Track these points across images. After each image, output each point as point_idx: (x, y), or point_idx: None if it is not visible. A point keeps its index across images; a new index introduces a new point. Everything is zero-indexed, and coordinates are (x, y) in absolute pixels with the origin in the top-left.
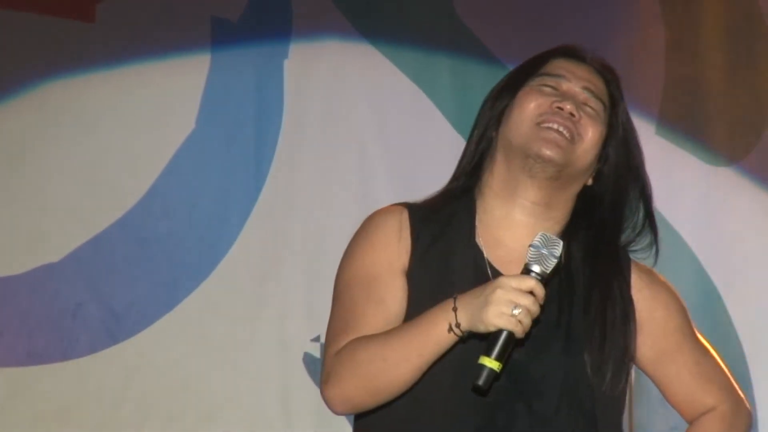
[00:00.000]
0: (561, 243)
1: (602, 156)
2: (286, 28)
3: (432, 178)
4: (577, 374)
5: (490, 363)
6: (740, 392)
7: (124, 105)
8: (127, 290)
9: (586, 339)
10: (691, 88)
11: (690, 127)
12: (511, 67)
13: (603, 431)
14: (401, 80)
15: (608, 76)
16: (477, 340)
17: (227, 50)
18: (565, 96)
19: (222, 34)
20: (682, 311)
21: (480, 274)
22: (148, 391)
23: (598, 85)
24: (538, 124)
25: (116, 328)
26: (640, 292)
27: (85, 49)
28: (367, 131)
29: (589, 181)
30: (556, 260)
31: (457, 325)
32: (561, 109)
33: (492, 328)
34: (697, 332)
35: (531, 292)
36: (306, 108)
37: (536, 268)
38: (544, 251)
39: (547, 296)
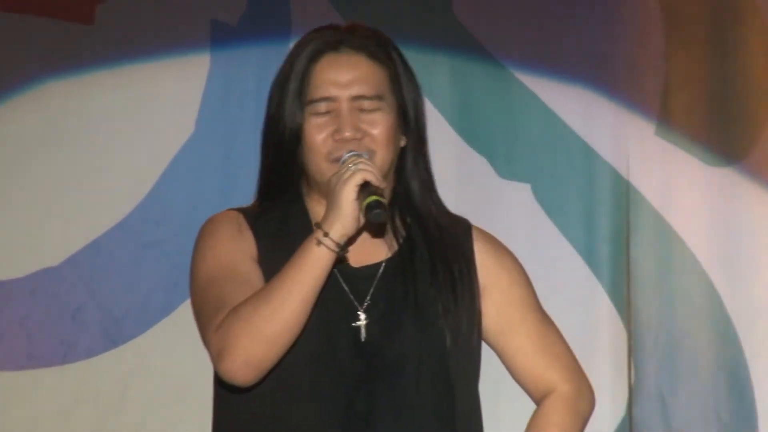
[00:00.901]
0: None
1: (402, 123)
2: (285, 30)
3: None
4: (431, 345)
5: (368, 200)
6: (584, 373)
7: (123, 108)
8: (126, 294)
9: (435, 309)
10: (691, 88)
11: (690, 127)
12: (510, 68)
13: (460, 397)
14: None
15: (371, 48)
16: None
17: (227, 53)
18: (340, 117)
19: (221, 37)
20: (527, 283)
21: None
22: (147, 394)
23: (366, 73)
24: (332, 161)
25: (115, 331)
26: (483, 259)
27: (84, 51)
28: None
29: (402, 143)
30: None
31: (325, 234)
32: (342, 138)
33: (350, 197)
34: (542, 308)
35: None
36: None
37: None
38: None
39: (392, 271)
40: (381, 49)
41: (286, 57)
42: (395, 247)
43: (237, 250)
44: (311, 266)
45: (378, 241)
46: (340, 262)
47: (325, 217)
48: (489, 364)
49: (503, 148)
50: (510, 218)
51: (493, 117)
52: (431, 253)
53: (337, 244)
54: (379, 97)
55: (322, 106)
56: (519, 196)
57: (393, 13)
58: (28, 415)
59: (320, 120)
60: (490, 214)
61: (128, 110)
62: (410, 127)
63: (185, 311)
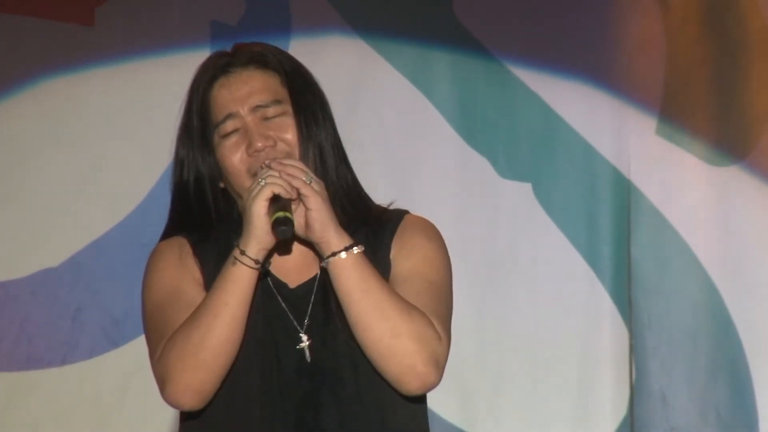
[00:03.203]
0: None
1: (306, 122)
2: (285, 30)
3: (430, 177)
4: (361, 351)
5: (274, 216)
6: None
7: (123, 108)
8: (126, 295)
9: None
10: (692, 87)
11: (691, 126)
12: (509, 67)
13: (400, 399)
14: (399, 81)
15: (259, 59)
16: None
17: None
18: (247, 133)
19: (221, 37)
20: (432, 260)
21: (264, 286)
22: (147, 395)
23: (260, 82)
24: (253, 176)
25: (115, 332)
26: (397, 239)
27: (84, 53)
28: (365, 132)
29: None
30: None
31: (242, 253)
32: (255, 151)
33: (261, 212)
34: (439, 282)
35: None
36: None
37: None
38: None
39: (325, 284)
40: (268, 56)
41: (186, 96)
42: None
43: (181, 277)
44: (233, 286)
45: (308, 257)
46: (265, 276)
47: (242, 235)
48: (489, 364)
49: (503, 148)
50: (510, 218)
51: (493, 117)
52: None
53: (256, 261)
54: (278, 102)
55: (228, 125)
56: (519, 196)
57: (393, 13)
58: (29, 415)
59: (231, 141)
60: (491, 214)
61: (128, 110)
62: (320, 126)
63: None
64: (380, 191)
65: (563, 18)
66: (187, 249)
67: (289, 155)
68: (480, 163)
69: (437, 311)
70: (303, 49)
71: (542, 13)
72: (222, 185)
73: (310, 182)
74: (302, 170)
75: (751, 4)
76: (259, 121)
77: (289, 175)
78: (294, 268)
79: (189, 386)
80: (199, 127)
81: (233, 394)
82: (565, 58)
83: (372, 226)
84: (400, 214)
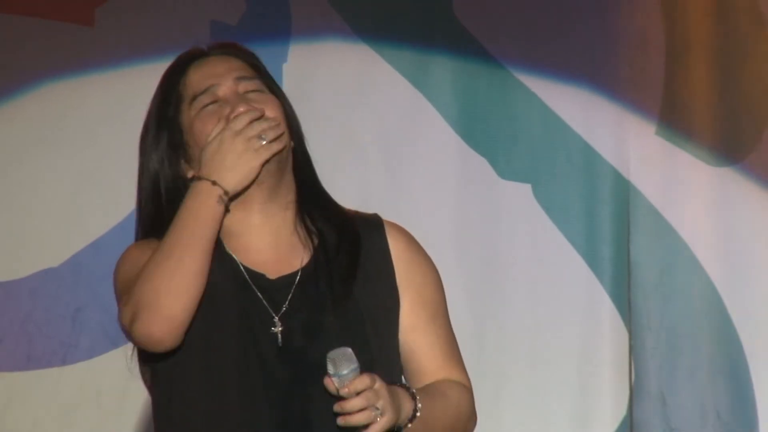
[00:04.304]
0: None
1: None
2: (285, 31)
3: (432, 180)
4: (356, 346)
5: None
6: None
7: (123, 108)
8: None
9: (355, 310)
10: (692, 88)
11: (691, 127)
12: (510, 68)
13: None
14: (400, 82)
15: (232, 51)
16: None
17: None
18: (228, 101)
19: (221, 38)
20: (439, 283)
21: (238, 279)
22: (147, 395)
23: (239, 65)
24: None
25: (116, 332)
26: (398, 254)
27: (84, 53)
28: (365, 133)
29: (291, 144)
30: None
31: (226, 193)
32: (238, 115)
33: (254, 167)
34: (447, 311)
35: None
36: (305, 112)
37: (334, 370)
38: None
39: (309, 278)
40: (250, 58)
41: (156, 91)
42: (310, 253)
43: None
44: (213, 221)
45: (292, 250)
46: (236, 266)
47: (220, 173)
48: (488, 364)
49: (503, 149)
50: (510, 219)
51: (493, 117)
52: (346, 254)
53: (228, 196)
54: (258, 79)
55: (207, 97)
56: (519, 196)
57: (393, 13)
58: (29, 415)
59: (209, 109)
60: (490, 214)
61: (128, 111)
62: (292, 128)
63: None
64: (380, 192)
65: (563, 19)
66: (154, 245)
67: (278, 125)
68: (480, 163)
69: (457, 350)
70: (303, 51)
71: (542, 15)
72: (191, 175)
73: (379, 415)
74: (372, 403)
75: (752, 5)
76: (242, 92)
77: (355, 408)
78: (272, 260)
79: (162, 314)
80: (166, 101)
81: (210, 383)
82: (565, 59)
83: (350, 222)
84: (375, 217)
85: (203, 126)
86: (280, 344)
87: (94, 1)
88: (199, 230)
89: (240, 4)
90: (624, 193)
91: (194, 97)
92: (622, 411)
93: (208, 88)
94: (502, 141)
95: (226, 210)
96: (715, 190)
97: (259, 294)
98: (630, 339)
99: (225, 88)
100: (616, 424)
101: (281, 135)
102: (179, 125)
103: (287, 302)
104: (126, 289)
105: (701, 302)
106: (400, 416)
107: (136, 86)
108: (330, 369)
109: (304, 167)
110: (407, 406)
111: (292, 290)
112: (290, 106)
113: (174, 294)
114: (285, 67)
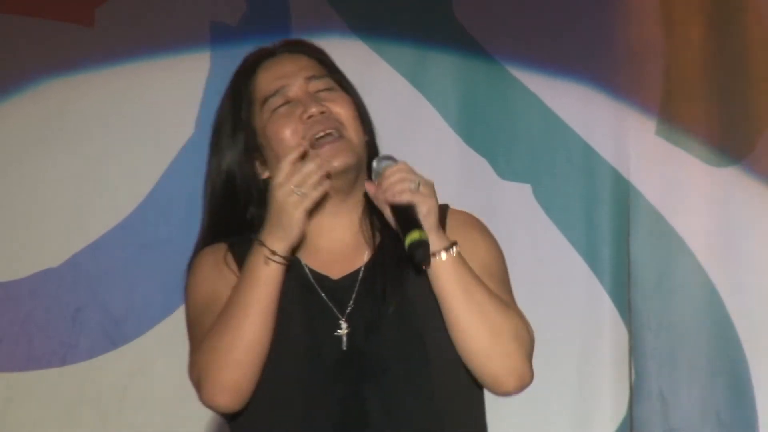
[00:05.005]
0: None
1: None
2: (285, 30)
3: (430, 178)
4: (412, 343)
5: (411, 238)
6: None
7: (123, 109)
8: (126, 295)
9: (413, 307)
10: (692, 87)
11: (691, 127)
12: (509, 68)
13: (451, 390)
14: (399, 82)
15: (300, 48)
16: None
17: (227, 53)
18: (300, 102)
19: (221, 37)
20: (495, 255)
21: (303, 282)
22: (147, 395)
23: (308, 63)
24: (311, 144)
25: (116, 332)
26: (452, 235)
27: (84, 53)
28: None
29: (365, 138)
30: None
31: (273, 252)
32: (310, 117)
33: (297, 218)
34: (508, 284)
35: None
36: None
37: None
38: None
39: (370, 275)
40: (317, 53)
41: (225, 91)
42: (371, 251)
43: (220, 284)
44: (264, 285)
45: (356, 248)
46: (302, 269)
47: (269, 232)
48: None
49: (503, 148)
50: (510, 219)
51: (493, 117)
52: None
53: (285, 258)
54: (328, 76)
55: (278, 99)
56: (519, 196)
57: (393, 13)
58: (29, 415)
59: (282, 111)
60: (490, 214)
61: (128, 111)
62: (364, 123)
63: (185, 312)
64: None
65: (563, 19)
66: (223, 254)
67: (342, 126)
68: (479, 163)
69: (514, 304)
70: None
71: (542, 14)
72: (266, 176)
73: (418, 188)
74: (408, 177)
75: (752, 4)
76: (313, 92)
77: (393, 186)
78: (337, 261)
79: (224, 385)
80: (237, 104)
81: (275, 390)
82: (565, 59)
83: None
84: (443, 207)
85: (276, 129)
86: (344, 347)
87: (94, 1)
88: (255, 293)
89: (240, 4)
90: (624, 193)
91: (265, 100)
92: (622, 411)
93: (279, 90)
94: (501, 141)
95: (288, 266)
96: (715, 190)
97: (324, 296)
98: (630, 339)
99: (295, 88)
100: (616, 424)
101: (321, 180)
102: (252, 127)
103: (352, 301)
104: (196, 322)
105: (701, 302)
106: (439, 227)
107: (135, 86)
108: (374, 177)
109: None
110: (443, 236)
111: (356, 288)
112: (361, 101)
113: (233, 367)
114: None
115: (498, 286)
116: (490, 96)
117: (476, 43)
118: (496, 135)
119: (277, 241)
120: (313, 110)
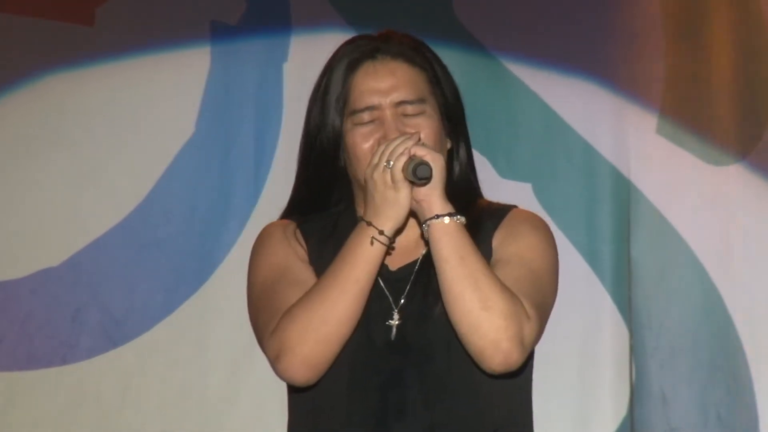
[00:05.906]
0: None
1: (446, 125)
2: (285, 30)
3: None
4: (458, 338)
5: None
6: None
7: (123, 108)
8: (126, 294)
9: None
10: (692, 86)
11: (691, 126)
12: (509, 66)
13: (483, 384)
14: None
15: (408, 53)
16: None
17: (227, 53)
18: (384, 124)
19: (221, 37)
20: (534, 247)
21: None
22: (147, 395)
23: (406, 78)
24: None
25: (116, 332)
26: (498, 234)
27: (84, 53)
28: None
29: (448, 145)
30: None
31: (381, 232)
32: None
33: (404, 195)
34: (538, 282)
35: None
36: (305, 112)
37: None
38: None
39: (426, 266)
40: (417, 52)
41: (322, 70)
42: (426, 246)
43: (288, 254)
44: (366, 263)
45: (417, 241)
46: (387, 252)
47: (376, 213)
48: None
49: (503, 148)
50: None
51: (493, 117)
52: None
53: (390, 240)
54: (421, 101)
55: (366, 116)
56: (519, 196)
57: (393, 13)
58: (29, 415)
59: (365, 129)
60: None
61: (128, 111)
62: (454, 128)
63: (185, 312)
64: None
65: (563, 17)
66: (292, 228)
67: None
68: (480, 163)
69: (531, 296)
70: (303, 49)
71: (542, 13)
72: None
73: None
74: (412, 138)
75: (752, 3)
76: (399, 116)
77: (396, 149)
78: (397, 252)
79: (306, 360)
80: (335, 101)
81: (323, 377)
82: (565, 58)
83: (475, 215)
84: (507, 207)
85: (354, 144)
86: (393, 337)
87: (94, 1)
88: (355, 271)
89: (240, 3)
90: (624, 192)
91: (354, 111)
92: (623, 410)
93: (368, 108)
94: (502, 140)
95: (390, 249)
96: (715, 189)
97: (382, 284)
98: (630, 339)
99: (384, 112)
100: (616, 424)
101: (406, 151)
102: (340, 126)
103: (405, 292)
104: (270, 291)
105: (701, 302)
106: (437, 192)
107: (135, 86)
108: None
109: (457, 170)
110: (449, 205)
111: (411, 280)
112: (456, 105)
113: (323, 343)
114: (285, 65)
115: (522, 278)
116: (490, 95)
117: (476, 40)
118: (496, 134)
119: (385, 220)
120: (392, 137)
